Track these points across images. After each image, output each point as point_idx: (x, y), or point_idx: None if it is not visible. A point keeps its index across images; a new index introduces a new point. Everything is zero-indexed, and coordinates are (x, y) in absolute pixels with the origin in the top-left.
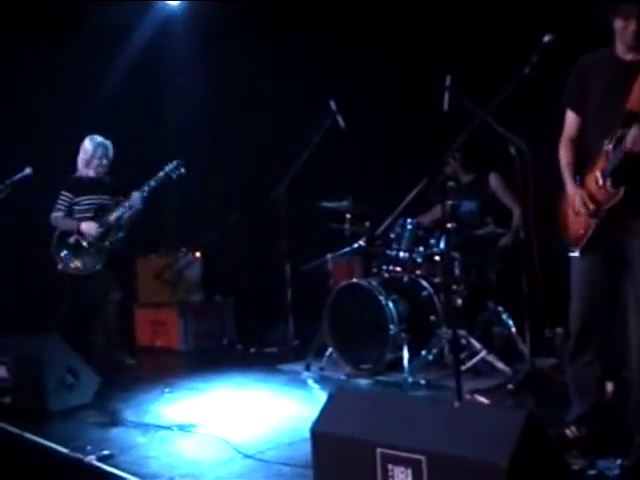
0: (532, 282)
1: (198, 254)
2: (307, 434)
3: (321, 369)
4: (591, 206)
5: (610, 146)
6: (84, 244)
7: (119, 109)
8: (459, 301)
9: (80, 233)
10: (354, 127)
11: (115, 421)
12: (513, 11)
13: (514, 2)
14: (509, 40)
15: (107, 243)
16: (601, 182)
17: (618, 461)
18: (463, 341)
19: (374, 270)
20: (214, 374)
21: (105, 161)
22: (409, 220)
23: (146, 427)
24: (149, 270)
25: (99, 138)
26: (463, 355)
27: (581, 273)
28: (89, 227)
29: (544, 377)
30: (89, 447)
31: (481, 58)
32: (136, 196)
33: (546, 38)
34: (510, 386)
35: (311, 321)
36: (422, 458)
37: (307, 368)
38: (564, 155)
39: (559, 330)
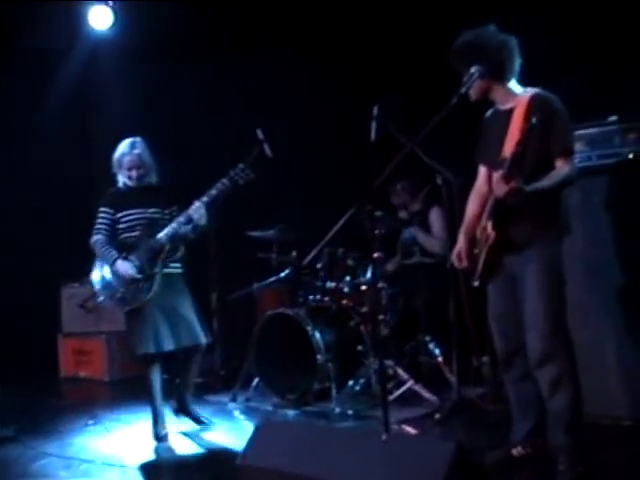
0: (459, 311)
1: None
2: (234, 466)
3: (248, 400)
4: (465, 264)
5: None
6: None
7: (51, 133)
8: (386, 331)
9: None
10: (282, 156)
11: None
12: (441, 41)
13: (443, 33)
14: (437, 70)
15: (157, 269)
16: (484, 223)
17: None
18: (390, 371)
19: (301, 299)
20: (140, 405)
21: (137, 160)
22: (336, 249)
23: (69, 460)
24: (73, 299)
25: (129, 139)
26: (390, 385)
27: (492, 296)
28: (124, 268)
29: (472, 406)
30: None
31: (410, 88)
32: (196, 208)
33: (473, 69)
34: (438, 415)
35: (238, 351)
36: None
37: (234, 399)
38: (468, 206)
39: (486, 359)
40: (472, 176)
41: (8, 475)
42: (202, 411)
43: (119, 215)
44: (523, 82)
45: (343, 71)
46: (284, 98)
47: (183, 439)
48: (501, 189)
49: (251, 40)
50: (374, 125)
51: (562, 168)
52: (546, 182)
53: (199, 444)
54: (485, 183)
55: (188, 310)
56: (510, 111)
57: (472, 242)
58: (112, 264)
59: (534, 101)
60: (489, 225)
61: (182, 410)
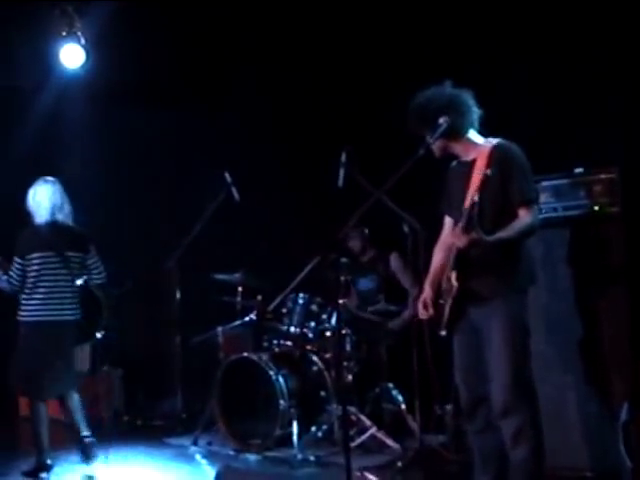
0: (422, 359)
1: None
2: None
3: (209, 444)
4: (431, 313)
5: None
6: None
7: (17, 170)
8: (349, 377)
9: None
10: (249, 200)
11: None
12: (410, 90)
13: (412, 82)
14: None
15: None
16: (448, 274)
17: None
18: (353, 417)
19: (265, 344)
20: (99, 446)
21: None
22: (301, 295)
23: None
24: None
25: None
26: (353, 431)
27: (457, 348)
28: None
29: (434, 454)
30: None
31: (378, 136)
32: None
33: (441, 120)
34: (400, 463)
35: (200, 394)
36: None
37: (195, 442)
38: (434, 257)
39: (449, 407)
40: (437, 226)
41: None
42: (162, 454)
43: None
44: (487, 132)
45: (311, 120)
46: (251, 143)
47: None
48: (462, 240)
49: (220, 87)
50: (342, 172)
51: (524, 217)
52: (507, 232)
53: None
54: (450, 234)
55: None
56: (472, 162)
57: (438, 292)
58: None
59: (495, 151)
60: (453, 276)
61: None
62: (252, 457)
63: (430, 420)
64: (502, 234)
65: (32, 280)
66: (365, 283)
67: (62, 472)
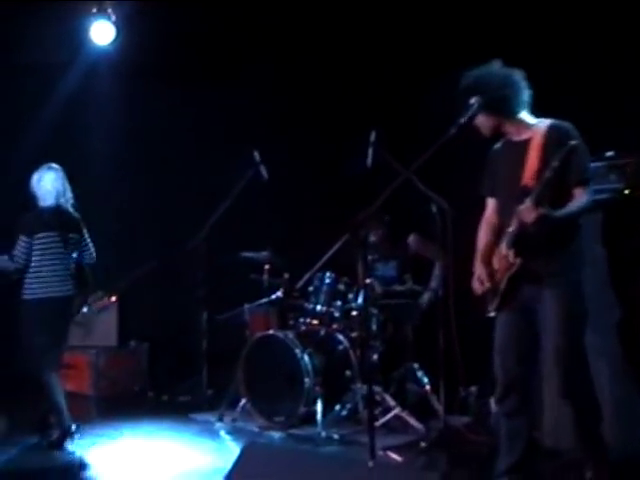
0: (448, 340)
1: (114, 298)
2: None
3: (234, 420)
4: (488, 285)
5: (514, 221)
6: None
7: (41, 146)
8: (375, 357)
9: None
10: (277, 179)
11: None
12: (441, 70)
13: (442, 63)
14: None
15: None
16: (504, 252)
17: None
18: (377, 397)
19: (291, 322)
20: (124, 421)
21: None
22: (328, 274)
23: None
24: None
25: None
26: (377, 411)
27: (500, 327)
28: None
29: (457, 435)
30: None
31: (407, 116)
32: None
33: (472, 100)
34: (423, 444)
35: (226, 371)
36: None
37: (220, 419)
38: (480, 237)
39: (473, 389)
40: (465, 206)
41: None
42: (188, 430)
43: None
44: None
45: (340, 99)
46: (280, 122)
47: (166, 457)
48: (530, 216)
49: (250, 66)
50: (371, 151)
51: (581, 196)
52: (569, 209)
53: (185, 463)
54: (494, 214)
55: None
56: (526, 142)
57: (490, 271)
58: None
59: (552, 131)
60: (510, 254)
61: None
62: (276, 434)
63: (454, 401)
64: (567, 210)
65: (37, 259)
66: (384, 270)
67: (86, 445)
